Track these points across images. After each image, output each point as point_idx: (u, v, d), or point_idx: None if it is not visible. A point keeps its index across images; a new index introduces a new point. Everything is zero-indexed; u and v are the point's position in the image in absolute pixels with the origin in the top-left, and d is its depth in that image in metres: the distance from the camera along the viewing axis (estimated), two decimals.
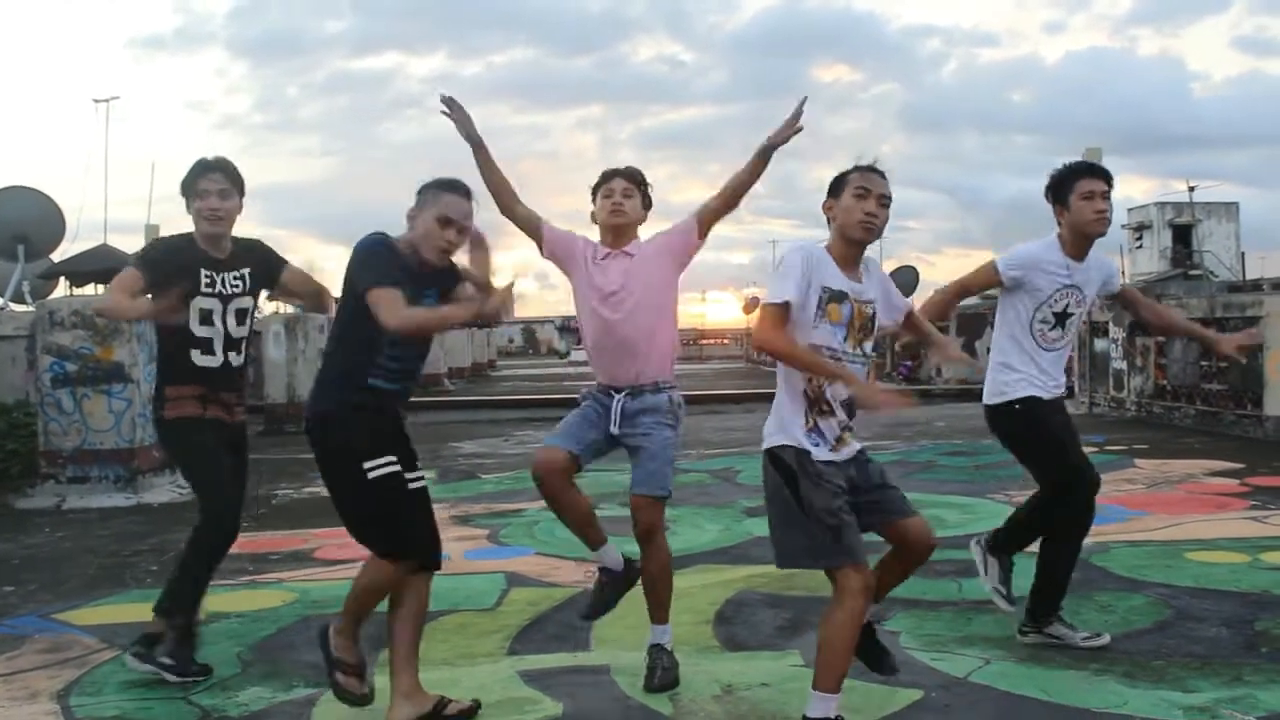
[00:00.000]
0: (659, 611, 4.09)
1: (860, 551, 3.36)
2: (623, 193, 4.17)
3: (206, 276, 4.19)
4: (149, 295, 4.14)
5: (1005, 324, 4.46)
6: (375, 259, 3.55)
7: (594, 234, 4.29)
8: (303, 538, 6.92)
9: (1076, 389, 16.43)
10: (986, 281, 4.47)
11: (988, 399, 4.48)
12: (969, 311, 28.11)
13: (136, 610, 5.31)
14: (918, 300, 4.65)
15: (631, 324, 4.07)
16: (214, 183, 4.20)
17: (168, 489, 9.40)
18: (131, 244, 20.53)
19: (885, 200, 3.49)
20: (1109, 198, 4.35)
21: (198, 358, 4.16)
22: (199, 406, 4.19)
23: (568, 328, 67.45)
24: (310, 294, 4.61)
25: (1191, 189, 42.65)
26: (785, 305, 3.33)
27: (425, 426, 14.96)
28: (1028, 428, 4.38)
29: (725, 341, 72.53)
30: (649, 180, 4.29)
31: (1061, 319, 4.37)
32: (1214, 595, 5.06)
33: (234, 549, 6.76)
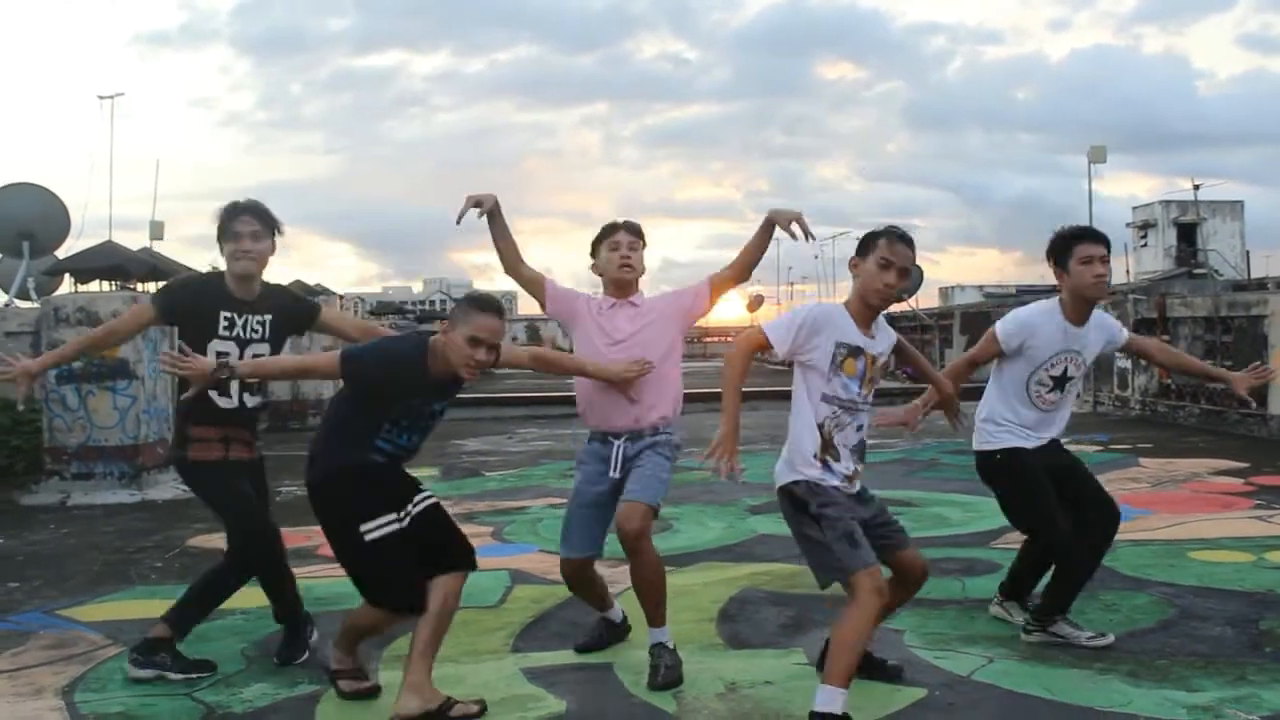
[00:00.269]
0: (656, 616, 4.13)
1: (873, 557, 3.57)
2: (629, 246, 4.31)
3: (226, 319, 4.21)
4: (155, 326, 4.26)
5: (1000, 381, 4.49)
6: (396, 381, 3.72)
7: (577, 279, 4.40)
8: (306, 534, 6.91)
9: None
10: (991, 353, 4.48)
11: (975, 445, 4.58)
12: (972, 310, 28.06)
13: (141, 607, 5.33)
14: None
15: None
16: (246, 224, 4.23)
17: (172, 485, 9.41)
18: (136, 240, 20.57)
19: (907, 271, 3.71)
20: (1107, 261, 4.39)
21: (217, 399, 4.18)
22: (222, 449, 4.25)
23: None
24: (361, 335, 4.47)
25: (1196, 187, 42.47)
26: (767, 344, 3.72)
27: None
28: (1008, 478, 4.46)
29: (729, 339, 72.57)
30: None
31: (1060, 382, 4.42)
32: (1218, 594, 5.05)
33: None
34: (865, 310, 3.71)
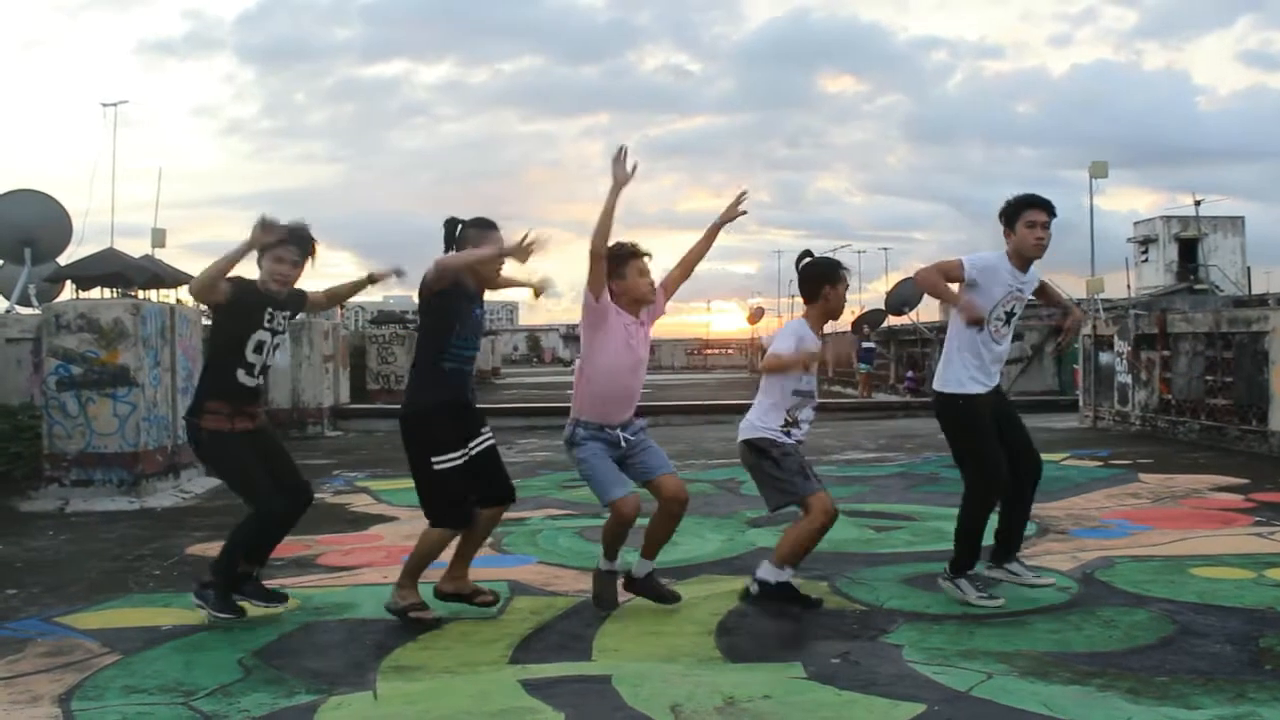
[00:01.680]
0: (652, 551, 5.10)
1: (821, 485, 5.03)
2: (649, 270, 4.98)
3: (269, 315, 5.09)
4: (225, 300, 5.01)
5: (960, 326, 5.26)
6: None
7: (576, 289, 5.15)
8: (306, 544, 6.91)
9: (1081, 402, 16.42)
10: (955, 271, 5.27)
11: (937, 386, 5.37)
12: None
13: (139, 614, 5.33)
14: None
15: (641, 381, 5.11)
16: (290, 253, 5.08)
17: (171, 493, 9.42)
18: (138, 248, 20.54)
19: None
20: (1049, 227, 5.24)
21: (242, 377, 5.02)
22: (229, 421, 5.00)
23: (572, 336, 67.52)
24: (324, 304, 5.75)
25: (1198, 203, 42.50)
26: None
27: None
28: (964, 420, 5.27)
29: (730, 351, 72.55)
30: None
31: (1009, 318, 5.30)
32: (1218, 611, 5.04)
33: None
34: (822, 324, 5.29)
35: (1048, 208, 5.24)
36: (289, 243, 5.07)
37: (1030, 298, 5.47)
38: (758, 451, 5.12)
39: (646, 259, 4.97)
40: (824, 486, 5.04)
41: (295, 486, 5.21)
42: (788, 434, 5.10)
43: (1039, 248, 5.23)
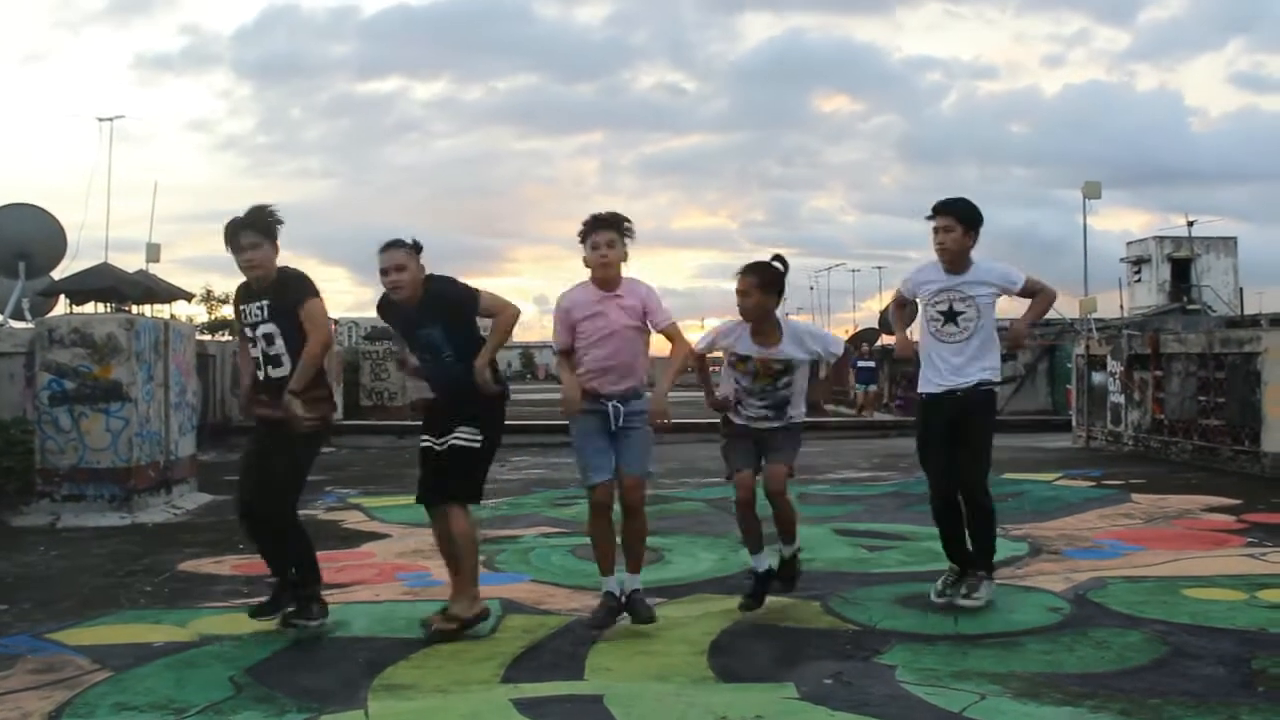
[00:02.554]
0: (635, 565, 5.18)
1: (742, 464, 5.46)
2: (602, 245, 5.14)
3: (242, 310, 5.27)
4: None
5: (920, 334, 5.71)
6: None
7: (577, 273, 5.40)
8: None
9: (1074, 422, 16.44)
10: (900, 297, 5.92)
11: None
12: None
13: (130, 631, 5.30)
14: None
15: (616, 355, 5.19)
16: (245, 238, 5.12)
17: (163, 509, 9.39)
18: (132, 263, 20.51)
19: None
20: (950, 230, 5.48)
21: (272, 370, 5.19)
22: (248, 412, 5.48)
23: None
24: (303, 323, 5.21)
25: (1190, 223, 42.67)
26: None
27: None
28: (918, 416, 5.81)
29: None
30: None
31: (950, 316, 5.52)
32: (1211, 633, 5.04)
33: (229, 570, 6.78)
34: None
35: (951, 212, 5.51)
36: (243, 227, 5.12)
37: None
38: (722, 424, 5.65)
39: (601, 234, 5.09)
40: (747, 466, 5.42)
41: (248, 501, 5.24)
42: (736, 413, 5.49)
43: (939, 249, 5.55)
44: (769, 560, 5.52)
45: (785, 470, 5.42)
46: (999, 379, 5.68)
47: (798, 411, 5.53)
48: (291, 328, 5.11)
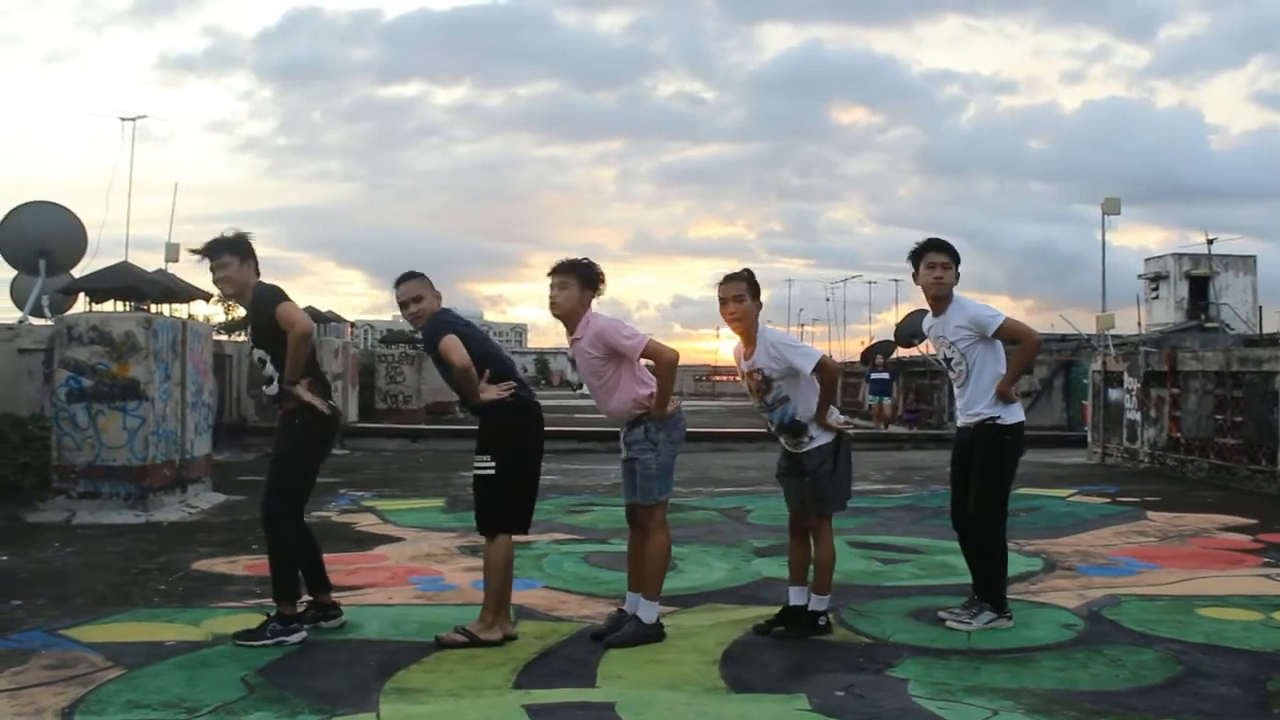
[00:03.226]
0: (641, 582, 5.15)
1: (788, 499, 5.45)
2: (553, 286, 5.24)
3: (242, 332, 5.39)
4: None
5: None
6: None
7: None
8: None
9: (1090, 439, 16.35)
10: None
11: None
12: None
13: (143, 629, 5.33)
14: None
15: (599, 391, 5.28)
16: (216, 260, 5.22)
17: (177, 508, 9.43)
18: (151, 262, 20.61)
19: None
20: (948, 267, 5.41)
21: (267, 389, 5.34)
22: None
23: None
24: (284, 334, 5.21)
25: (1210, 241, 42.43)
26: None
27: (435, 455, 14.92)
28: None
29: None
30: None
31: (947, 360, 5.56)
32: (1226, 653, 5.00)
33: (241, 571, 6.80)
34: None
35: (945, 249, 5.46)
36: (214, 252, 5.25)
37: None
38: None
39: (552, 279, 5.20)
40: (790, 503, 5.44)
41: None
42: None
43: (935, 285, 5.46)
44: (800, 598, 5.32)
45: (812, 517, 5.32)
46: (1003, 414, 5.38)
47: (817, 433, 5.25)
48: (275, 348, 5.19)
